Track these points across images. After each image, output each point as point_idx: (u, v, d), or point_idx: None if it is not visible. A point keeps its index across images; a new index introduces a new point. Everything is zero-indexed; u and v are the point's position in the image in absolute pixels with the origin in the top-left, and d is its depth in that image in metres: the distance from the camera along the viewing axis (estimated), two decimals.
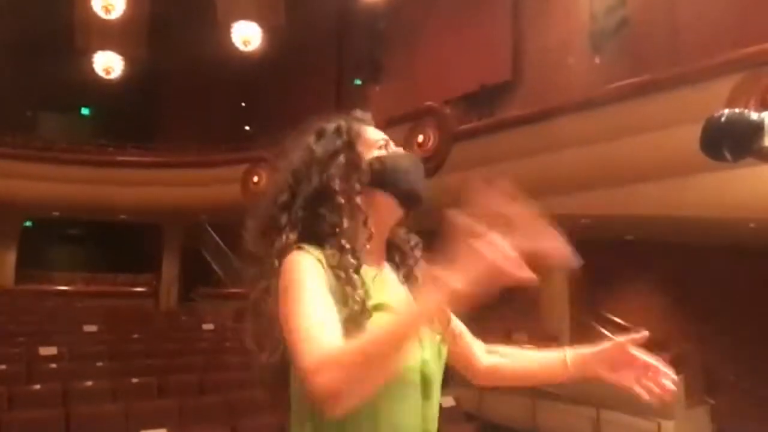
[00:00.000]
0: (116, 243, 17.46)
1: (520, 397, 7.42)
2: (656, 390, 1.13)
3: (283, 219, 1.11)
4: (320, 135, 1.19)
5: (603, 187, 7.44)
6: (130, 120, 18.03)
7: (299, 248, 1.06)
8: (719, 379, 7.79)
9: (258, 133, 17.14)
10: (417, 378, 1.08)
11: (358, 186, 1.12)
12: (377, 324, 0.99)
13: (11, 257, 14.08)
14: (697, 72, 6.58)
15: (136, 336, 7.84)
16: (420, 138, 9.78)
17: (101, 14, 14.09)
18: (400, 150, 1.22)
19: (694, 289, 9.24)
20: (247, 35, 14.58)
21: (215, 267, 16.74)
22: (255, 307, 1.11)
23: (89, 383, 5.07)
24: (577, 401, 6.84)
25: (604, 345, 1.21)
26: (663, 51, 9.03)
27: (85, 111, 20.86)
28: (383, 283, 1.13)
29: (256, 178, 13.19)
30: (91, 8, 13.96)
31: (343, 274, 1.04)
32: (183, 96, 18.47)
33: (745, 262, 8.79)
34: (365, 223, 1.12)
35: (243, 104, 18.47)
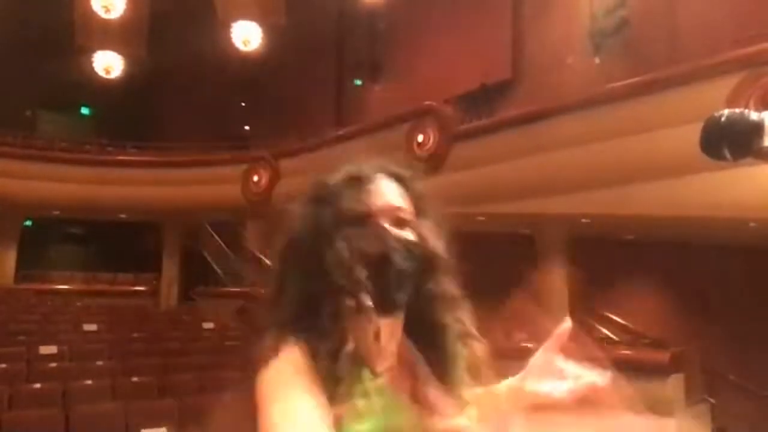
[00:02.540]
0: (116, 242, 17.46)
1: None
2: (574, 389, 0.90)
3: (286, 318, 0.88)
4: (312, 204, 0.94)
5: (603, 187, 7.44)
6: (130, 119, 18.03)
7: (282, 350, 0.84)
8: (719, 379, 7.79)
9: (258, 132, 17.14)
10: None
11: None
12: None
13: (11, 257, 14.07)
14: (697, 72, 6.58)
15: (136, 335, 7.84)
16: (420, 137, 9.78)
17: (101, 14, 14.09)
18: (407, 233, 0.91)
19: (694, 288, 9.25)
20: (247, 35, 14.58)
21: (215, 266, 16.74)
22: None
23: (89, 382, 5.07)
24: None
25: (530, 363, 0.97)
26: (663, 51, 9.04)
27: (85, 110, 20.87)
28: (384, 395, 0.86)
29: (256, 178, 13.19)
30: (91, 8, 13.95)
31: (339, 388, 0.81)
32: (183, 95, 18.47)
33: (745, 262, 8.79)
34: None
35: (243, 104, 18.46)
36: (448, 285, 0.93)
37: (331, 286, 0.84)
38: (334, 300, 0.84)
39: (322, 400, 0.79)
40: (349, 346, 0.82)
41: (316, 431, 0.77)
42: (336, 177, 0.94)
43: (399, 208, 0.90)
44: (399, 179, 0.93)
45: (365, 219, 0.87)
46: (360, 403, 0.81)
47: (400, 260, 0.85)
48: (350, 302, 0.83)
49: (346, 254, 0.84)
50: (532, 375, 0.95)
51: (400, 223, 0.89)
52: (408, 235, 0.89)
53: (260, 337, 0.87)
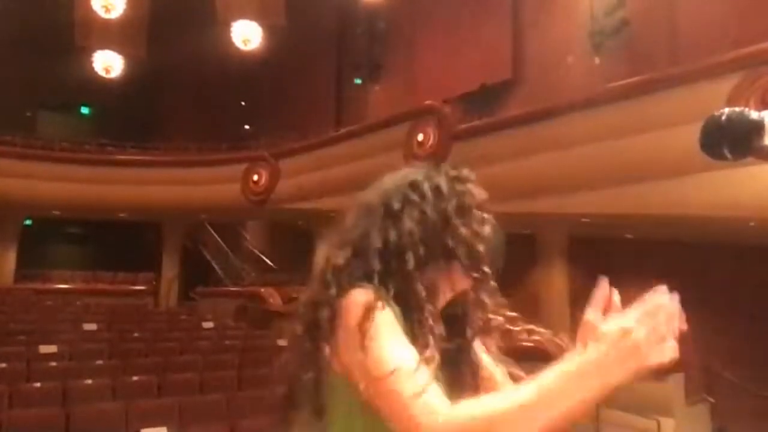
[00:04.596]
0: (116, 242, 17.47)
1: None
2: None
3: (375, 264, 1.01)
4: (435, 192, 1.08)
5: (603, 187, 7.44)
6: (130, 119, 18.04)
7: (377, 290, 0.97)
8: (719, 379, 7.79)
9: (258, 132, 17.15)
10: None
11: (457, 263, 1.04)
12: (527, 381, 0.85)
13: (11, 256, 14.08)
14: (697, 72, 6.58)
15: (136, 334, 7.84)
16: (420, 137, 9.78)
17: (101, 13, 14.10)
18: (491, 219, 1.10)
19: (694, 288, 9.23)
20: (247, 34, 14.59)
21: (215, 266, 16.76)
22: (308, 329, 1.01)
23: (89, 382, 5.07)
24: None
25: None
26: (663, 51, 9.04)
27: (85, 110, 20.88)
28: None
29: (255, 177, 13.20)
30: (91, 7, 13.96)
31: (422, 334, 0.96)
32: (183, 95, 18.49)
33: (745, 261, 8.80)
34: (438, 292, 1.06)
35: (243, 104, 18.47)
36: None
37: (449, 256, 1.04)
38: (443, 268, 1.04)
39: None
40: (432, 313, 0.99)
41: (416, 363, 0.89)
42: (441, 176, 1.12)
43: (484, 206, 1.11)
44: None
45: (479, 208, 1.09)
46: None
47: (500, 240, 1.09)
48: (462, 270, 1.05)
49: (470, 233, 1.04)
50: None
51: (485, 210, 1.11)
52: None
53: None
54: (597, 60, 10.20)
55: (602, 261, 10.06)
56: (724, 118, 0.93)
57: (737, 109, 0.94)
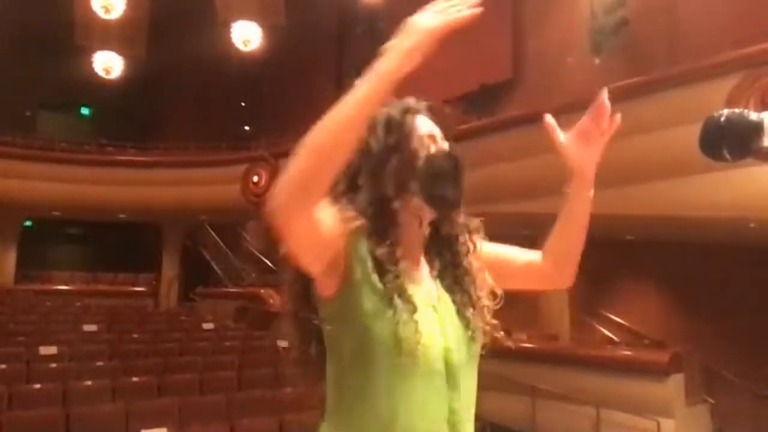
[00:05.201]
0: (116, 243, 17.46)
1: (520, 396, 7.42)
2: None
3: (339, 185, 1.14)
4: (372, 128, 1.16)
5: (603, 187, 7.38)
6: (130, 120, 18.05)
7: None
8: (719, 379, 7.79)
9: (258, 132, 17.14)
10: (440, 367, 1.09)
11: (408, 193, 1.13)
12: None
13: (11, 257, 14.08)
14: (696, 72, 6.58)
15: (135, 335, 7.84)
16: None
17: (101, 14, 14.09)
18: (445, 146, 1.22)
19: (694, 288, 9.25)
20: (247, 35, 14.58)
21: (215, 267, 16.74)
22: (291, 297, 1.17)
23: (89, 383, 5.06)
24: (577, 401, 6.84)
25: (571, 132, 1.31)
26: (663, 51, 9.04)
27: (84, 111, 20.87)
28: (409, 278, 1.13)
29: (255, 178, 13.19)
30: (91, 8, 13.96)
31: (382, 265, 1.08)
32: (183, 95, 18.47)
33: (745, 262, 8.79)
34: (399, 223, 1.14)
35: (243, 104, 18.47)
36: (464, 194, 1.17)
37: (382, 202, 1.12)
38: (383, 210, 1.12)
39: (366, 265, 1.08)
40: (398, 248, 1.11)
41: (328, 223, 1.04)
42: (396, 107, 1.25)
43: (435, 135, 1.23)
44: (433, 114, 1.29)
45: (426, 139, 1.20)
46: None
47: (442, 160, 1.15)
48: (400, 203, 1.12)
49: (402, 167, 1.13)
50: (578, 141, 1.33)
51: (437, 143, 1.22)
52: (444, 145, 1.22)
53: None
54: (597, 60, 10.20)
55: (602, 261, 10.06)
56: (723, 119, 0.93)
57: (737, 110, 0.94)
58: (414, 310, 1.06)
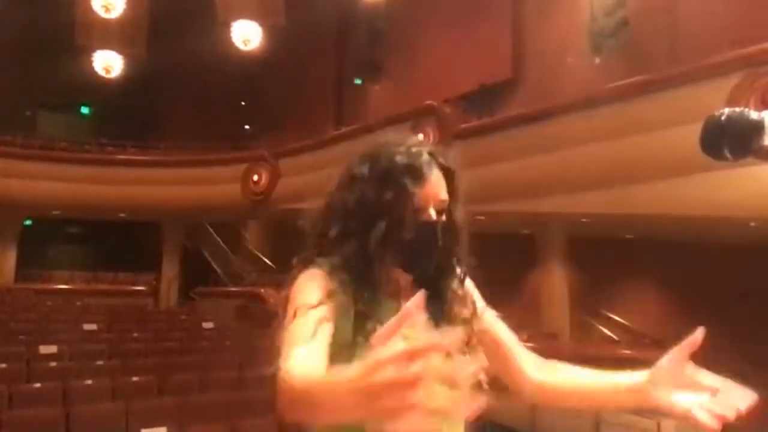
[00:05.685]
0: (116, 242, 17.46)
1: None
2: (718, 412, 0.98)
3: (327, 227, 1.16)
4: (374, 173, 1.12)
5: (603, 187, 7.44)
6: (130, 119, 18.04)
7: (314, 264, 1.13)
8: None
9: (258, 132, 17.15)
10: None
11: (388, 257, 1.11)
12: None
13: (11, 256, 14.08)
14: (697, 72, 6.58)
15: (136, 335, 7.83)
16: (420, 137, 9.76)
17: (101, 14, 14.10)
18: (432, 217, 1.12)
19: (694, 288, 9.24)
20: (247, 34, 14.58)
21: (215, 266, 16.75)
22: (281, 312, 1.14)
23: (89, 382, 5.06)
24: None
25: (659, 364, 1.06)
26: (663, 51, 9.04)
27: (85, 110, 20.86)
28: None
29: (255, 177, 13.20)
30: (91, 8, 13.96)
31: (359, 307, 1.08)
32: (183, 95, 18.47)
33: (745, 262, 8.79)
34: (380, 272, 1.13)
35: (243, 103, 18.47)
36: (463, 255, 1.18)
37: (379, 256, 1.09)
38: (365, 257, 1.09)
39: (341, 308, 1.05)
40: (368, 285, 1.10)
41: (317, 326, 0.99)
42: (402, 157, 1.13)
43: (443, 201, 1.14)
44: (444, 170, 1.16)
45: (420, 207, 1.11)
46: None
47: (438, 240, 1.11)
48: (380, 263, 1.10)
49: (387, 233, 1.09)
50: (660, 379, 1.05)
51: (441, 209, 1.13)
52: (443, 219, 1.14)
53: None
54: (597, 60, 10.20)
55: (602, 261, 10.07)
56: (724, 118, 0.93)
57: (737, 109, 0.94)
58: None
